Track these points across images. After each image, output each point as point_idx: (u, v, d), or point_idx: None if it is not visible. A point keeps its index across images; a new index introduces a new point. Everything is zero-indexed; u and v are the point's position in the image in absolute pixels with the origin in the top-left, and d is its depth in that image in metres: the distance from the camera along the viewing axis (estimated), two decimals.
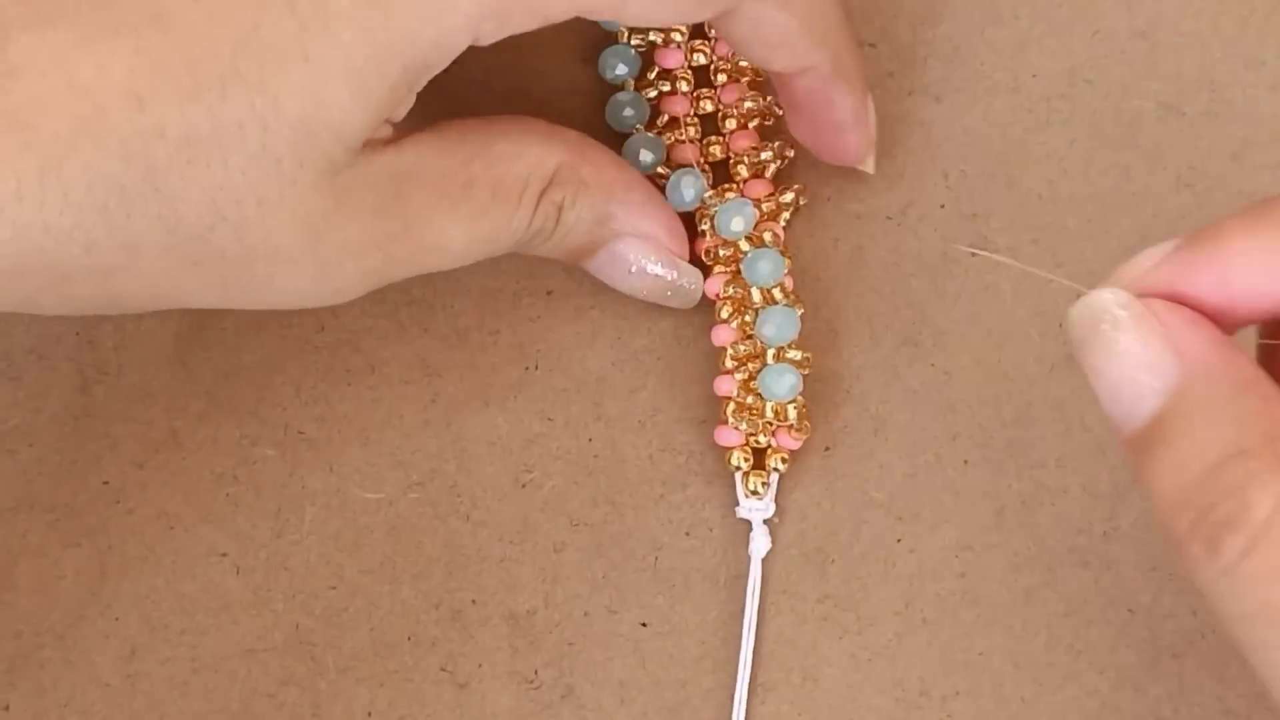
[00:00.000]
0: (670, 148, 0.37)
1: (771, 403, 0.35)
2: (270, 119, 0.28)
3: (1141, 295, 0.26)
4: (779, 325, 0.35)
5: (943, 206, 0.37)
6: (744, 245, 0.36)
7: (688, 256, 0.36)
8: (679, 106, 0.37)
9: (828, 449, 0.36)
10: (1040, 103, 0.38)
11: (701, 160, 0.37)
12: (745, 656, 0.35)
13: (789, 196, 0.36)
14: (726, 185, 0.36)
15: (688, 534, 0.36)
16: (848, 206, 0.37)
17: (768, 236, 0.36)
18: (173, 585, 0.36)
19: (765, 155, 0.37)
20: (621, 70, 0.37)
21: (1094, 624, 0.35)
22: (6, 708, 0.35)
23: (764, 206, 0.36)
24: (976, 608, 0.35)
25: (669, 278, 0.35)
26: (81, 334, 0.37)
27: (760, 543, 0.35)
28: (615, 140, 0.37)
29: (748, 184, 0.36)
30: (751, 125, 0.37)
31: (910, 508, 0.36)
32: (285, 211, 0.29)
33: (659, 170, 0.37)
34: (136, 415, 0.36)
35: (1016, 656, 0.35)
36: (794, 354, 0.35)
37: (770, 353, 0.35)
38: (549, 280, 0.37)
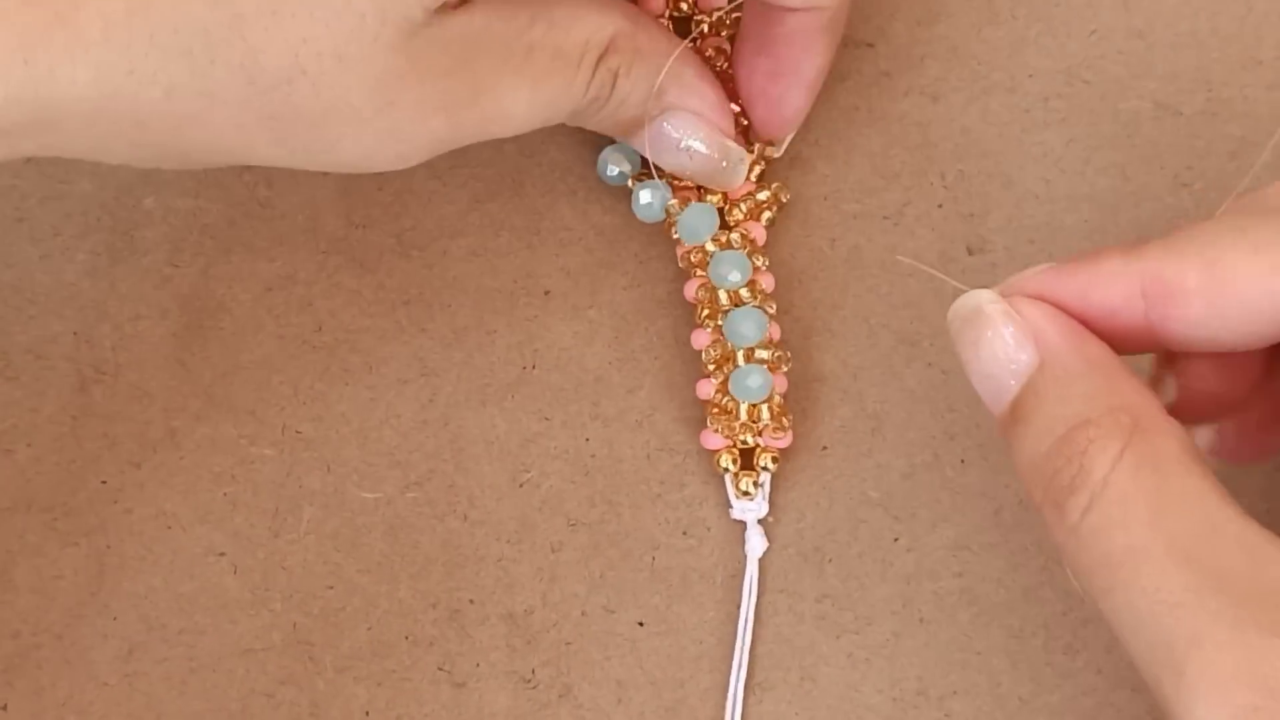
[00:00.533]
0: None
1: (745, 404, 0.35)
2: None
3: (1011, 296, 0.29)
4: (745, 326, 0.35)
5: (940, 206, 0.37)
6: (710, 247, 0.36)
7: (733, 135, 0.36)
8: None
9: (825, 448, 0.36)
10: (1038, 102, 0.38)
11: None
12: (741, 657, 0.35)
13: (764, 194, 0.36)
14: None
15: (685, 533, 0.36)
16: (844, 206, 0.37)
17: (735, 238, 0.36)
18: (171, 585, 0.36)
19: (762, 196, 0.36)
20: None
21: (1091, 623, 0.35)
22: (4, 707, 0.35)
23: (743, 206, 0.36)
24: (974, 607, 0.35)
25: (715, 157, 0.35)
26: (80, 333, 0.37)
27: (755, 543, 0.35)
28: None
29: None
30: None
31: (908, 507, 0.36)
32: (363, 69, 0.29)
33: (629, 183, 0.36)
34: (134, 415, 0.36)
35: (1014, 655, 0.35)
36: (763, 354, 0.35)
37: (740, 354, 0.35)
38: (547, 280, 0.37)
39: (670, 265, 0.37)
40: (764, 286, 0.36)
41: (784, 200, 0.37)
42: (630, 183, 0.36)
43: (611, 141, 0.36)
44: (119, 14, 0.28)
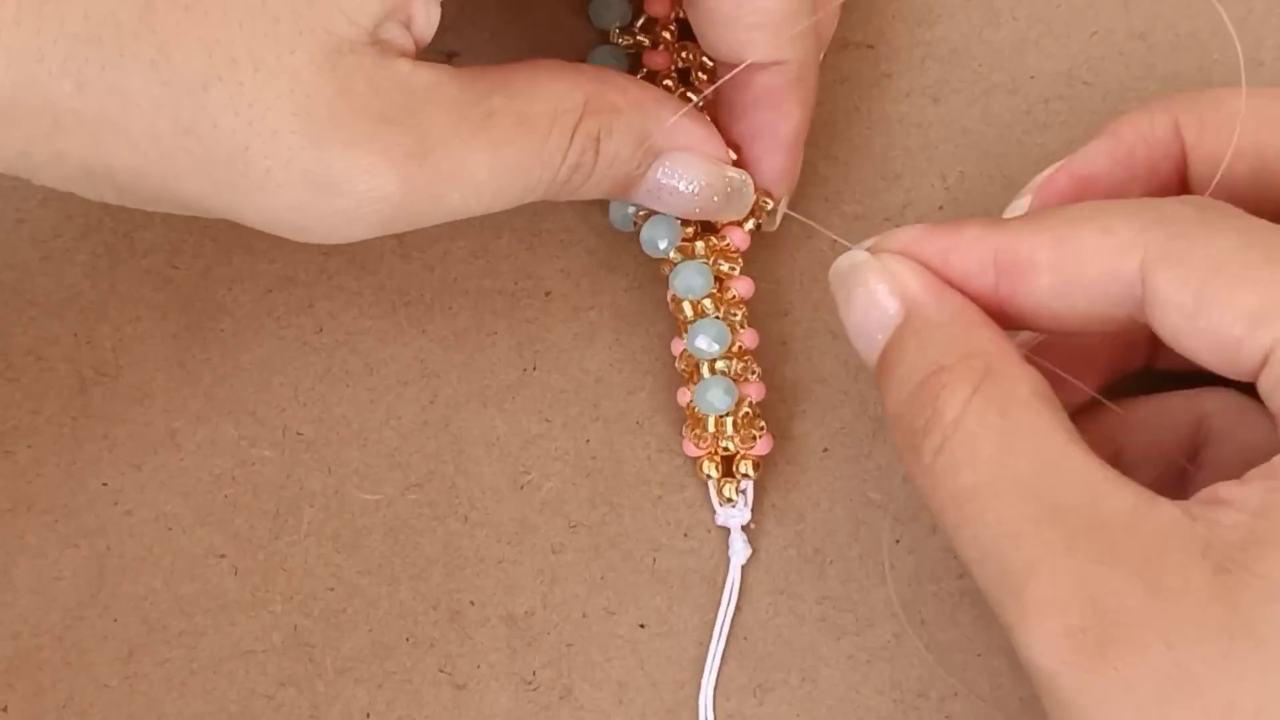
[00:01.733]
0: None
1: (713, 416, 0.35)
2: None
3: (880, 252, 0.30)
4: (702, 340, 0.35)
5: (941, 208, 0.37)
6: (674, 256, 0.35)
7: (730, 162, 0.34)
8: None
9: (826, 450, 0.36)
10: (1038, 104, 0.38)
11: None
12: (712, 661, 0.35)
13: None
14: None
15: (686, 535, 0.36)
16: (845, 208, 0.37)
17: (699, 246, 0.35)
18: (171, 586, 0.36)
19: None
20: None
21: None
22: (4, 709, 0.35)
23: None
24: (975, 609, 0.35)
25: (719, 186, 0.34)
26: (80, 335, 0.37)
27: (739, 549, 0.35)
28: None
29: None
30: None
31: (908, 508, 0.36)
32: (283, 86, 0.28)
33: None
34: (135, 416, 0.36)
35: (1014, 657, 0.35)
36: (723, 365, 0.35)
37: (704, 366, 0.35)
38: (547, 281, 0.37)
39: None
40: (738, 293, 0.35)
41: (767, 208, 0.35)
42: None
43: None
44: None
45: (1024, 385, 0.28)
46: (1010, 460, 0.27)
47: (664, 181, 0.33)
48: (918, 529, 0.35)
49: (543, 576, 0.36)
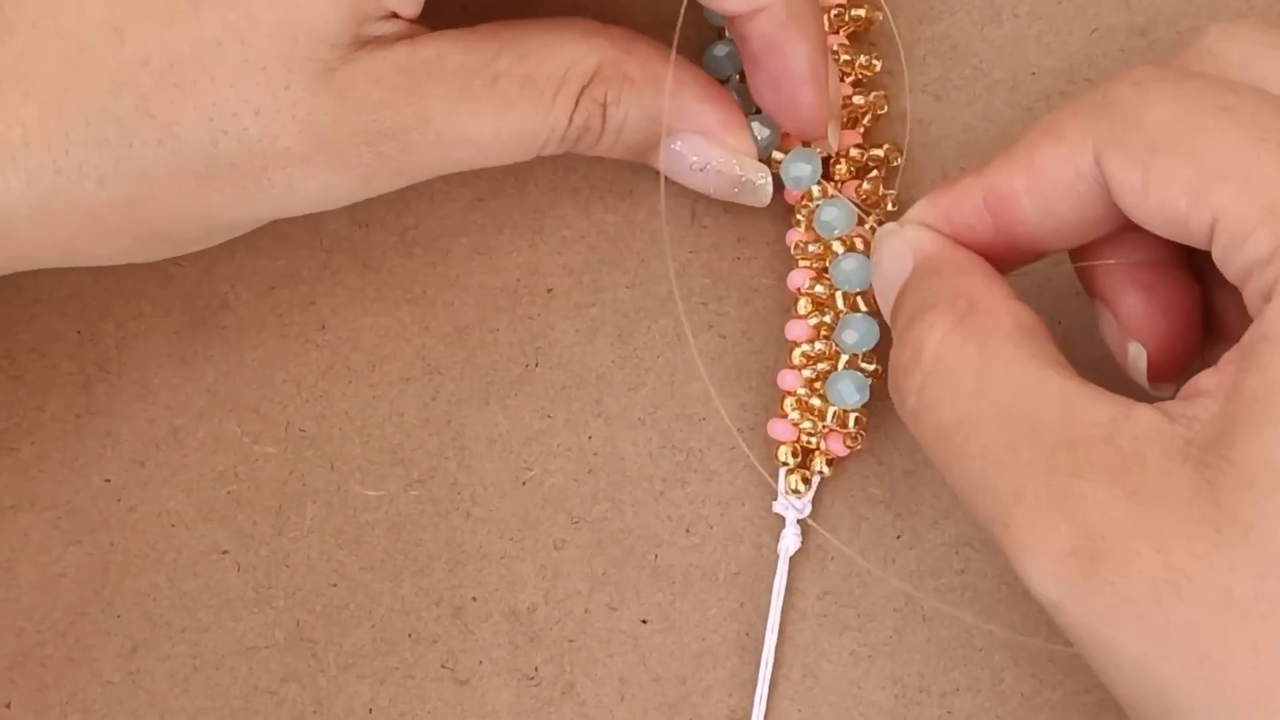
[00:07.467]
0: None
1: (835, 407, 0.35)
2: (247, 31, 0.29)
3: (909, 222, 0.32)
4: (861, 333, 0.34)
5: None
6: (837, 247, 0.35)
7: (753, 152, 0.35)
8: None
9: None
10: (1039, 101, 0.38)
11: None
12: (767, 656, 0.35)
13: (878, 151, 0.36)
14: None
15: (687, 531, 0.36)
16: None
17: (859, 243, 0.35)
18: (174, 583, 0.36)
19: (875, 152, 0.36)
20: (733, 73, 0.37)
21: None
22: (8, 705, 0.35)
23: (845, 165, 0.36)
24: (976, 604, 0.35)
25: (732, 173, 0.35)
26: (83, 332, 0.37)
27: (790, 541, 0.35)
28: None
29: (844, 184, 0.36)
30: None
31: (910, 504, 0.36)
32: (285, 116, 0.30)
33: (774, 155, 0.36)
34: (138, 413, 0.36)
35: (1016, 652, 0.35)
36: (867, 365, 0.35)
37: (844, 359, 0.35)
38: (549, 278, 0.37)
39: (672, 262, 0.37)
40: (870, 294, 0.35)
41: (894, 163, 0.36)
42: (776, 154, 0.36)
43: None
44: (34, 118, 0.29)
45: (1007, 320, 0.28)
46: (989, 390, 0.28)
47: (678, 157, 0.34)
48: (918, 524, 0.35)
49: (545, 572, 0.36)
